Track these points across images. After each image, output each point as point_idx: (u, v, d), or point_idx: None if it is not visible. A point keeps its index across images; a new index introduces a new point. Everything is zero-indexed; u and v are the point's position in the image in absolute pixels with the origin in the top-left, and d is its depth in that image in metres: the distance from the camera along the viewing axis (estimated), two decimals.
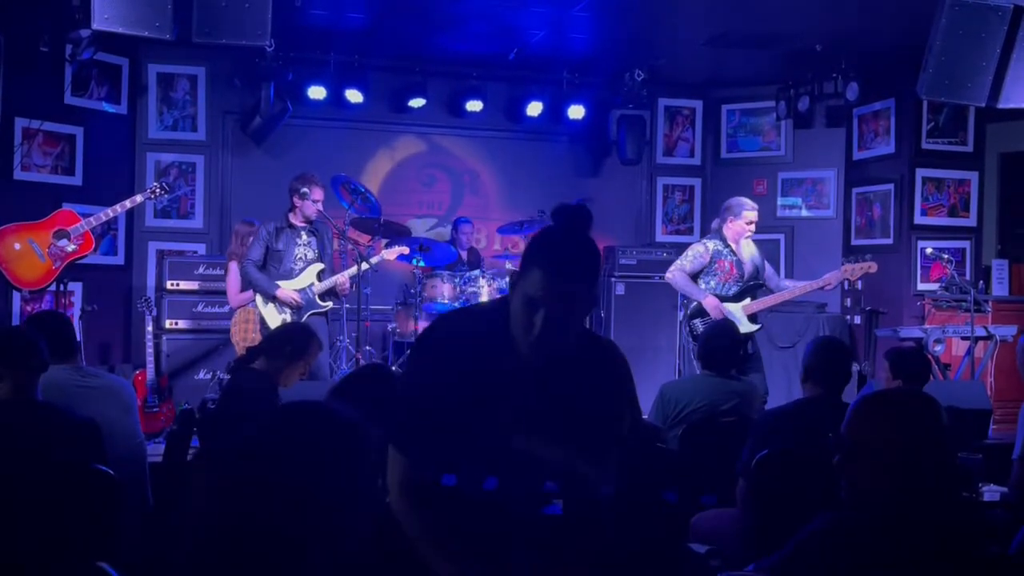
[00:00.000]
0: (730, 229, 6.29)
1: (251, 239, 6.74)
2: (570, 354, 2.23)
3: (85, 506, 2.93)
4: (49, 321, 4.01)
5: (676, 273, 6.31)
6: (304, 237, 6.53)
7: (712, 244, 6.30)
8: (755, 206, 6.38)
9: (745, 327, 6.10)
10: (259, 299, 6.47)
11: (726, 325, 5.48)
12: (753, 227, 6.31)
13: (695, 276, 6.27)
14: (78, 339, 4.78)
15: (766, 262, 6.49)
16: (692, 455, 4.24)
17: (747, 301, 6.23)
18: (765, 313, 8.23)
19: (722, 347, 4.82)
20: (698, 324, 6.16)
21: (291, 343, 4.37)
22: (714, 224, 6.52)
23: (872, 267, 6.29)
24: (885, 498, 2.04)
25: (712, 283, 6.25)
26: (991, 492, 4.17)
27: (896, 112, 8.77)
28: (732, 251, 6.26)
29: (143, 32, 4.54)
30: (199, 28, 4.61)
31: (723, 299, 6.17)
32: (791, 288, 6.39)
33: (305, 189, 6.39)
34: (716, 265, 6.24)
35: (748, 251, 6.32)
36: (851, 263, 6.36)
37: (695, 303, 6.24)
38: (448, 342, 2.28)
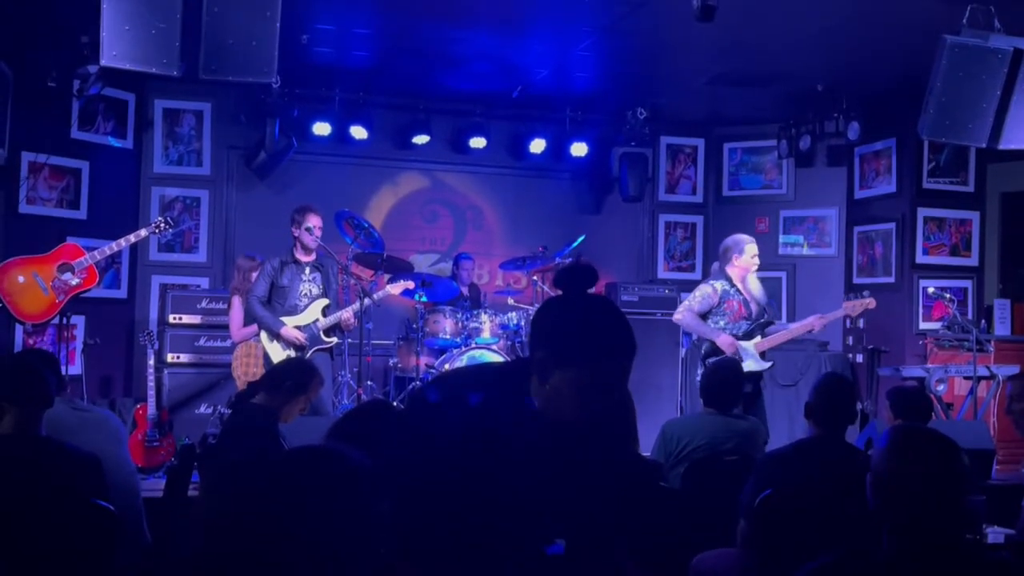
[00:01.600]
0: (735, 268, 6.25)
1: (254, 274, 6.75)
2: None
3: (83, 541, 2.91)
4: (39, 356, 4.03)
5: (685, 314, 6.28)
6: (308, 273, 6.53)
7: (719, 284, 6.25)
8: (752, 239, 6.36)
9: (758, 365, 6.09)
10: (263, 335, 6.47)
11: (729, 363, 5.46)
12: (757, 260, 6.29)
13: (703, 316, 6.24)
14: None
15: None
16: (694, 494, 4.21)
17: (758, 339, 6.20)
18: (768, 351, 8.22)
19: (725, 385, 4.81)
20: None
21: (292, 378, 4.36)
22: (715, 267, 6.48)
23: (871, 303, 6.29)
24: (899, 533, 2.03)
25: (722, 323, 6.20)
26: (995, 533, 4.15)
27: (897, 151, 8.81)
28: (739, 290, 6.24)
29: (151, 69, 4.58)
30: (206, 65, 4.65)
31: (735, 338, 6.16)
32: (797, 324, 6.38)
33: (306, 219, 6.41)
34: (725, 305, 6.20)
35: (755, 288, 6.29)
36: (851, 299, 6.37)
37: (708, 342, 6.19)
38: (459, 392, 2.20)
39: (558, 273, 2.19)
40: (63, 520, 2.90)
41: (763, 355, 6.19)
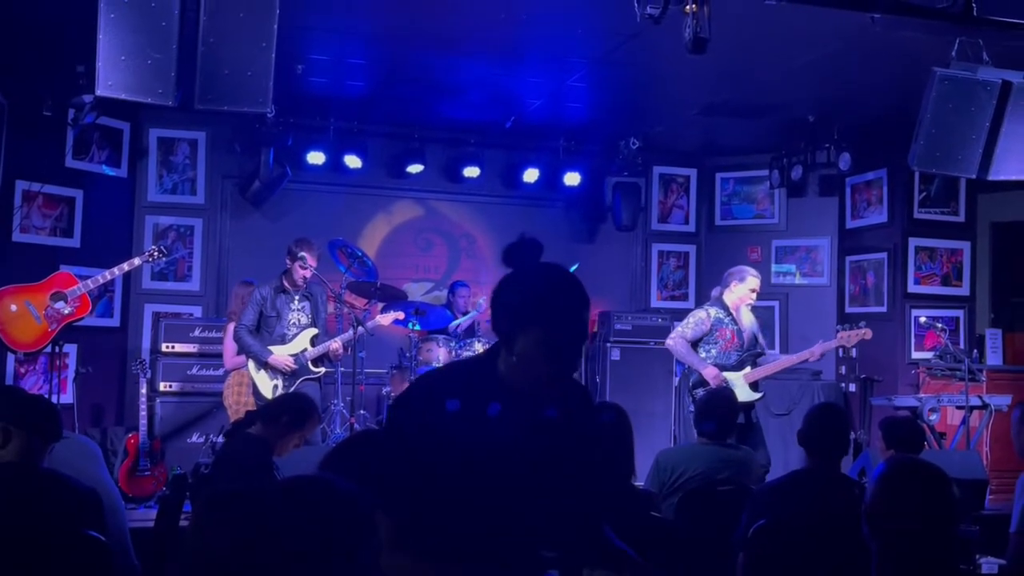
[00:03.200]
0: (732, 294, 6.29)
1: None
2: (571, 403, 2.29)
3: (79, 573, 2.89)
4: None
5: (677, 340, 6.30)
6: (298, 302, 6.53)
7: (713, 311, 6.29)
8: (758, 275, 6.42)
9: (747, 395, 6.11)
10: (251, 364, 6.45)
11: (723, 393, 5.47)
12: (755, 295, 6.33)
13: (695, 343, 6.26)
14: None
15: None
16: (688, 524, 4.20)
17: (747, 369, 6.23)
18: (762, 381, 8.23)
19: (719, 415, 4.81)
20: (700, 394, 6.04)
21: (289, 414, 4.34)
22: (715, 292, 6.51)
23: (867, 333, 6.31)
24: (892, 565, 2.04)
25: (713, 351, 6.24)
26: (989, 564, 4.15)
27: (888, 182, 8.87)
28: (733, 319, 6.27)
29: (146, 99, 4.59)
30: (201, 95, 4.66)
31: (723, 368, 6.19)
32: (789, 357, 6.40)
33: (303, 253, 6.42)
34: (717, 333, 6.25)
35: (747, 319, 6.32)
36: (847, 330, 6.38)
37: (696, 373, 6.22)
38: (430, 398, 2.26)
39: (505, 251, 2.27)
40: (59, 553, 2.87)
41: (755, 386, 6.21)
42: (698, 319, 6.29)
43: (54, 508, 3.05)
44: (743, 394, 6.03)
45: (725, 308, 6.30)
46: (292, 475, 1.81)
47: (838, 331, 6.48)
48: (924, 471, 2.15)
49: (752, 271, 6.39)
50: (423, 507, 2.16)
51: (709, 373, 6.10)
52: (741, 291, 6.27)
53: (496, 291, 2.25)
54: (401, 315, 7.21)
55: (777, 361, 6.34)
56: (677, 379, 8.40)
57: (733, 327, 6.25)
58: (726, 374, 6.15)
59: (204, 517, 1.68)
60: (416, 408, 2.25)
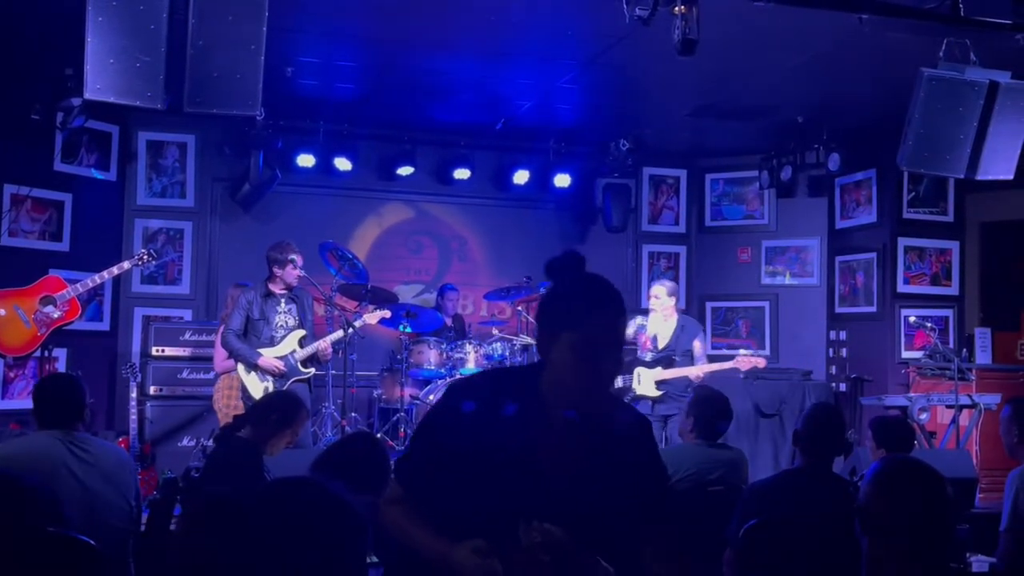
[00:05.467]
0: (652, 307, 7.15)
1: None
2: (607, 412, 2.25)
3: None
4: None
5: None
6: (284, 304, 6.53)
7: (638, 320, 7.15)
8: (662, 284, 7.17)
9: (650, 390, 6.93)
10: (240, 367, 6.44)
11: (713, 394, 5.48)
12: (652, 300, 7.08)
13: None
14: None
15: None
16: (680, 524, 4.20)
17: (658, 369, 6.96)
18: (752, 380, 8.36)
19: (709, 416, 4.81)
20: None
21: (278, 412, 4.35)
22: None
23: (761, 362, 7.24)
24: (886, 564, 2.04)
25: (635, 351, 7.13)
26: (979, 562, 4.16)
27: (877, 182, 8.90)
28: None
29: (135, 102, 4.57)
30: (190, 98, 4.65)
31: (640, 363, 7.06)
32: (688, 368, 6.93)
33: (293, 256, 6.42)
34: (637, 337, 7.07)
35: (653, 327, 7.07)
36: (745, 354, 7.28)
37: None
38: (479, 392, 2.26)
39: (549, 263, 2.29)
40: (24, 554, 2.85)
41: (658, 385, 6.94)
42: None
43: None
44: (647, 389, 6.93)
45: (647, 318, 7.13)
46: (281, 476, 1.81)
47: (737, 356, 7.25)
48: (920, 471, 2.15)
49: (655, 282, 7.33)
50: (443, 494, 2.17)
51: None
52: (650, 304, 7.12)
53: (539, 306, 2.26)
54: (387, 313, 7.21)
55: (680, 368, 6.93)
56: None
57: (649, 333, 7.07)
58: (638, 368, 7.01)
59: (193, 520, 1.67)
60: (473, 399, 2.24)
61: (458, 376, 7.41)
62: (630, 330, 6.97)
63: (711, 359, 7.48)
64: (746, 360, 7.14)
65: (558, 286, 2.26)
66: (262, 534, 1.54)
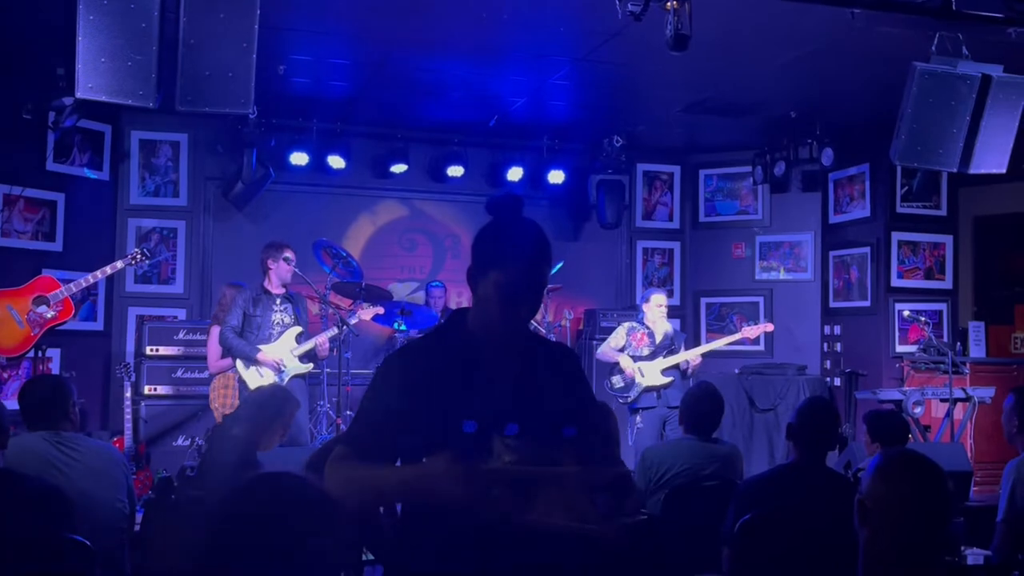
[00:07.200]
0: (647, 311, 7.42)
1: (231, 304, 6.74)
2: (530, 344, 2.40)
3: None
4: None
5: (603, 350, 7.55)
6: (280, 303, 6.56)
7: (627, 324, 7.49)
8: (662, 292, 7.60)
9: (656, 379, 7.18)
10: (239, 364, 6.44)
11: (707, 389, 5.49)
12: (662, 308, 7.39)
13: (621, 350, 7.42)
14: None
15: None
16: (675, 520, 4.21)
17: (659, 359, 7.23)
18: (747, 376, 8.39)
19: (703, 410, 4.82)
20: (615, 380, 7.35)
21: (267, 406, 4.36)
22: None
23: (769, 327, 7.86)
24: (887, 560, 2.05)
25: (628, 351, 7.37)
26: (974, 555, 4.16)
27: (871, 177, 8.91)
28: (645, 325, 7.40)
29: (127, 101, 4.56)
30: (183, 97, 4.64)
31: (637, 358, 7.25)
32: (691, 350, 7.37)
33: (287, 254, 6.46)
34: (630, 337, 7.39)
35: (661, 327, 7.38)
36: (750, 326, 7.77)
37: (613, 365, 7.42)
38: (410, 350, 2.43)
39: (488, 200, 2.47)
40: (37, 555, 2.86)
41: (664, 373, 7.23)
42: (615, 334, 7.46)
43: (18, 508, 3.02)
44: (653, 379, 7.17)
45: (640, 320, 7.44)
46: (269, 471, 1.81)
47: (743, 328, 7.74)
48: (922, 464, 2.16)
49: (655, 291, 7.59)
50: (392, 442, 2.27)
51: (623, 362, 7.26)
52: (650, 308, 7.38)
53: (474, 241, 2.40)
54: (380, 310, 7.21)
55: (683, 352, 7.29)
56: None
57: (644, 330, 7.36)
58: (638, 364, 7.21)
59: (187, 519, 1.67)
60: (406, 357, 2.40)
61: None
62: (622, 331, 7.43)
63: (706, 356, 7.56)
64: (754, 329, 7.65)
65: (492, 225, 2.40)
66: (242, 527, 1.54)
